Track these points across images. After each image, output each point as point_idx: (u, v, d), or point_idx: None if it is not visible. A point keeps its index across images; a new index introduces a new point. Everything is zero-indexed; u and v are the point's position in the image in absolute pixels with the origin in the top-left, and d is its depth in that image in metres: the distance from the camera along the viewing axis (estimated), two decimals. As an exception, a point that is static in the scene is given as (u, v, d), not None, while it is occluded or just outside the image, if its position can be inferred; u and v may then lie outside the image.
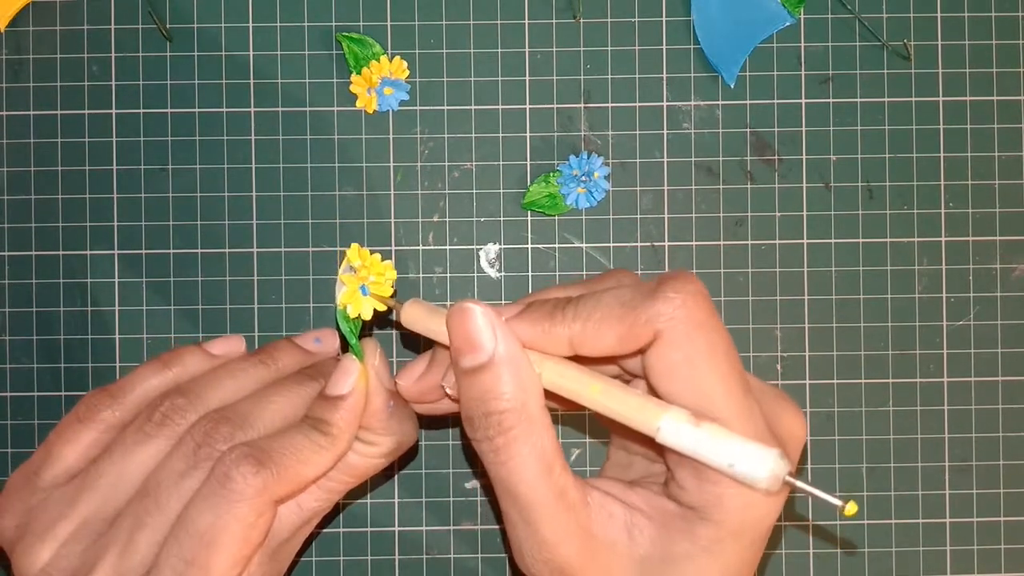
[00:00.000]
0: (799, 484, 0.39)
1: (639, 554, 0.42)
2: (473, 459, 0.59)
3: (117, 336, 0.59)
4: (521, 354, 0.41)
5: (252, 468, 0.42)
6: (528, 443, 0.40)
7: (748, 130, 0.60)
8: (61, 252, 0.59)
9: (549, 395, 0.42)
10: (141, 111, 0.59)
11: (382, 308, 0.47)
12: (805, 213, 0.60)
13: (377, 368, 0.47)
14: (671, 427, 0.40)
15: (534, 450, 0.40)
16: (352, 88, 0.59)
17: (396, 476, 0.59)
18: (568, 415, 0.60)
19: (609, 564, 0.42)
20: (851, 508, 0.39)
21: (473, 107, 0.59)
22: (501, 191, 0.59)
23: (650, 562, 0.42)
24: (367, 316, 0.47)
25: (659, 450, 0.43)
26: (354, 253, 0.47)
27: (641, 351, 0.42)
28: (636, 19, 0.60)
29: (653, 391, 0.42)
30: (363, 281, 0.47)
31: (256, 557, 0.44)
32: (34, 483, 0.46)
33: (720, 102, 0.60)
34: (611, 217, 0.59)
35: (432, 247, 0.59)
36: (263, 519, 0.42)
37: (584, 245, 0.59)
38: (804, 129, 0.60)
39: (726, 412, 0.40)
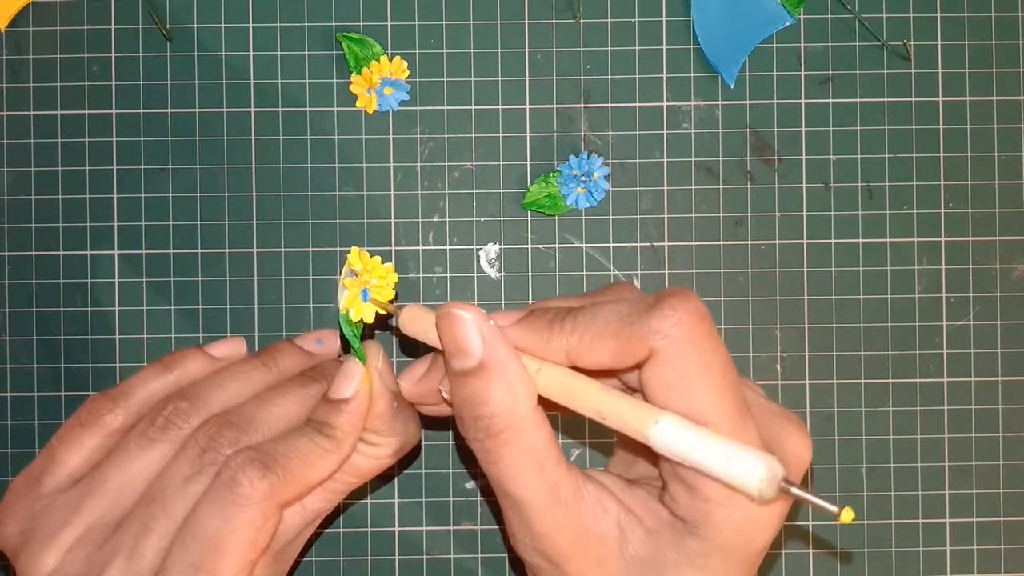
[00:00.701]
0: (794, 490, 0.39)
1: (629, 552, 0.42)
2: (470, 460, 0.59)
3: (117, 336, 0.59)
4: (510, 358, 0.42)
5: (259, 472, 0.42)
6: (519, 445, 0.41)
7: (748, 130, 0.60)
8: (61, 252, 0.59)
9: (546, 401, 0.43)
10: (141, 111, 0.59)
11: (384, 312, 0.47)
12: (805, 213, 0.60)
13: (380, 370, 0.47)
14: (665, 431, 0.40)
15: (524, 451, 0.41)
16: (352, 88, 0.59)
17: (396, 477, 0.59)
18: (568, 417, 0.60)
19: (600, 556, 0.42)
20: (847, 515, 0.39)
21: (473, 107, 0.59)
22: (501, 191, 0.59)
23: (639, 561, 0.42)
24: (369, 320, 0.47)
25: (656, 459, 0.43)
26: (355, 257, 0.47)
27: (638, 366, 0.42)
28: (636, 19, 0.60)
29: None
30: (365, 285, 0.47)
31: (261, 559, 0.44)
32: (37, 488, 0.46)
33: (720, 102, 0.60)
34: (611, 217, 0.59)
35: (432, 247, 0.59)
36: (270, 523, 0.43)
37: (584, 245, 0.59)
38: (804, 129, 0.60)
39: (719, 431, 0.40)
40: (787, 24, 0.59)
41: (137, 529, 0.43)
